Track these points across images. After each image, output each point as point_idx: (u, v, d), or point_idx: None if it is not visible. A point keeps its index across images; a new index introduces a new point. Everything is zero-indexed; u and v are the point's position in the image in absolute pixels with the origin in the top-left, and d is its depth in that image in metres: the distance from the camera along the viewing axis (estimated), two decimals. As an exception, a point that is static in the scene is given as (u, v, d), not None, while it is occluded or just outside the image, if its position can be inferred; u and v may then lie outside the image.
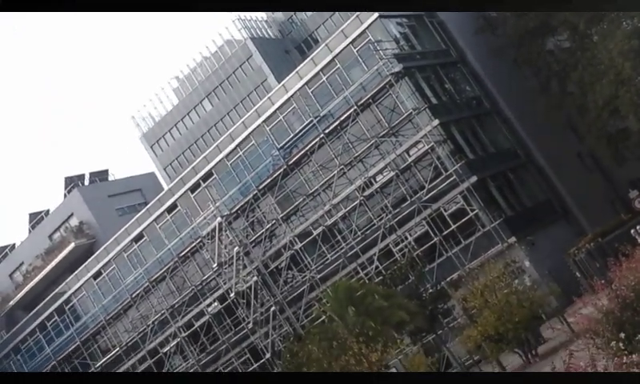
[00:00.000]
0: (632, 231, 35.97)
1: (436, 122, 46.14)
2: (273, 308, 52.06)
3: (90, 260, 61.12)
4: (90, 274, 60.61)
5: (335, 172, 49.05)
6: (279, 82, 55.12)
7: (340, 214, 49.43)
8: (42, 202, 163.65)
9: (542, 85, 51.62)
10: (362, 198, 48.33)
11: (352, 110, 48.08)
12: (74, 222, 67.93)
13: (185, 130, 76.52)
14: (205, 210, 53.81)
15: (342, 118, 48.51)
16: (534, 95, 50.89)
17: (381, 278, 45.56)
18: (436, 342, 43.32)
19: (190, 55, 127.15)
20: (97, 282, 60.53)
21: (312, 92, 49.97)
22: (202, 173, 54.35)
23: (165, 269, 56.58)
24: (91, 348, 61.97)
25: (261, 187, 51.87)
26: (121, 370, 59.83)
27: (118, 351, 60.07)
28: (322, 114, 49.44)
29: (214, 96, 74.78)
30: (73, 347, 62.31)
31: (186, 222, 55.47)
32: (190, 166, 57.52)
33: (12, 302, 68.34)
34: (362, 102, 47.90)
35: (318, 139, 49.42)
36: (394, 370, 35.66)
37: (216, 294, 54.74)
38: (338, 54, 48.88)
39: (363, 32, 47.93)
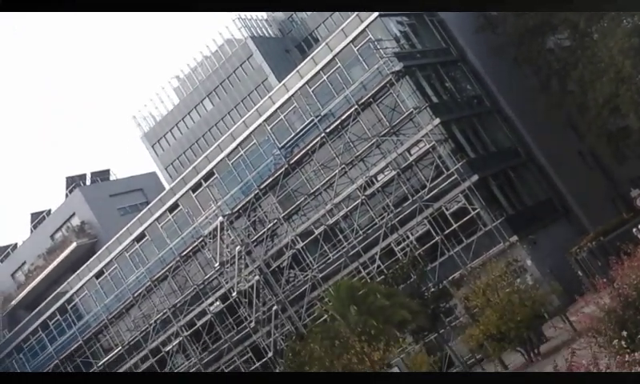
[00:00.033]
0: (634, 230, 35.97)
1: (437, 120, 46.21)
2: (275, 307, 52.14)
3: (91, 259, 61.22)
4: (91, 274, 60.71)
5: (336, 171, 49.10)
6: (280, 81, 55.19)
7: (341, 213, 49.49)
8: (44, 201, 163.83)
9: (543, 83, 51.70)
10: (363, 197, 48.41)
11: (353, 109, 48.14)
12: (75, 221, 68.03)
13: (186, 129, 76.61)
14: (206, 209, 53.87)
15: (343, 117, 48.57)
16: (534, 94, 50.98)
17: (383, 277, 45.67)
18: (438, 340, 43.41)
19: (191, 54, 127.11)
20: (99, 281, 60.64)
21: (313, 91, 50.04)
22: (204, 172, 54.43)
23: (167, 268, 56.67)
24: (93, 347, 62.10)
25: (262, 186, 51.94)
26: (123, 369, 59.98)
27: (120, 350, 60.18)
28: (322, 113, 49.50)
29: (215, 95, 74.87)
30: (75, 346, 62.44)
31: (187, 222, 55.56)
32: (192, 165, 57.59)
33: (14, 302, 68.49)
34: (363, 101, 47.95)
35: (319, 138, 49.48)
36: (396, 369, 35.67)
37: (218, 293, 54.82)
38: (338, 53, 48.93)
39: (363, 31, 47.97)
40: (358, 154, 48.48)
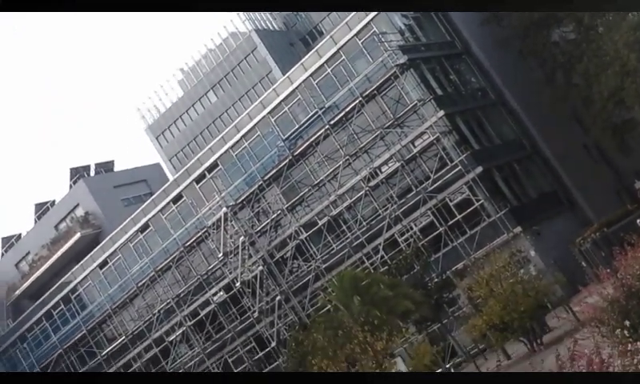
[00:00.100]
0: (638, 221, 36.07)
1: (441, 112, 46.24)
2: (278, 297, 52.26)
3: (95, 250, 61.35)
4: (95, 264, 60.85)
5: (340, 163, 49.16)
6: (284, 74, 55.21)
7: (345, 205, 49.57)
8: (48, 192, 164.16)
9: (548, 76, 51.66)
10: (367, 188, 48.48)
11: (357, 101, 48.17)
12: (79, 212, 68.16)
13: (190, 121, 76.66)
14: (210, 200, 54.00)
15: (347, 109, 48.62)
16: (539, 86, 50.95)
17: (386, 267, 45.77)
18: (441, 331, 43.58)
19: (195, 47, 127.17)
20: (103, 272, 60.78)
21: (317, 83, 50.08)
22: (208, 164, 54.53)
23: (170, 258, 56.78)
24: (97, 336, 62.26)
25: (266, 178, 52.02)
26: (127, 359, 60.18)
27: (123, 340, 60.34)
28: (327, 106, 49.56)
29: (219, 88, 74.89)
30: (79, 336, 62.59)
31: (191, 213, 55.68)
32: (196, 157, 57.67)
33: (18, 292, 68.65)
34: (367, 93, 47.99)
35: (323, 130, 49.53)
36: (399, 359, 35.78)
37: (222, 284, 54.96)
38: (342, 46, 48.97)
39: (368, 24, 48.01)
40: (362, 145, 48.54)
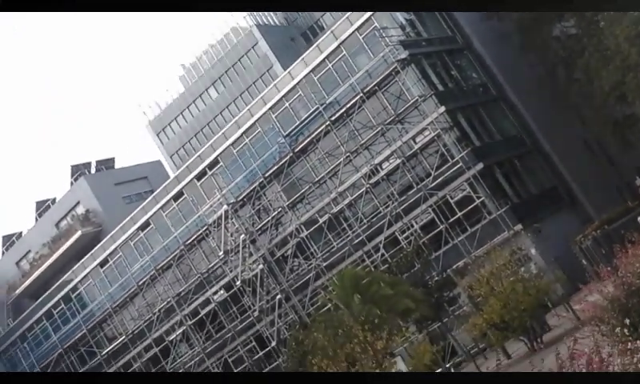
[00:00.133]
0: (638, 218, 35.78)
1: (442, 108, 45.99)
2: (279, 296, 52.07)
3: (96, 248, 61.21)
4: (96, 262, 60.70)
5: (341, 159, 48.95)
6: (285, 70, 54.99)
7: (346, 202, 49.35)
8: (49, 190, 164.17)
9: (549, 71, 51.38)
10: (367, 185, 48.25)
11: (358, 97, 47.95)
12: (80, 210, 68.08)
13: (191, 117, 76.54)
14: (211, 197, 53.83)
15: (348, 106, 48.40)
16: (540, 82, 50.68)
17: (387, 265, 45.61)
18: (441, 329, 43.37)
19: (196, 43, 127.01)
20: (103, 270, 60.63)
21: (318, 79, 49.86)
22: (208, 160, 54.33)
23: (171, 257, 56.62)
24: (97, 336, 62.13)
25: (267, 175, 51.82)
26: (127, 358, 60.03)
27: (124, 339, 60.20)
28: (327, 102, 49.34)
29: (220, 83, 74.76)
30: (79, 335, 62.46)
31: (192, 210, 55.51)
32: (196, 153, 57.50)
33: (19, 290, 68.58)
34: (368, 89, 47.76)
35: (324, 126, 49.31)
36: (399, 358, 35.58)
37: (222, 282, 54.79)
38: (343, 41, 48.76)
39: (369, 19, 47.77)
40: (362, 142, 48.31)
